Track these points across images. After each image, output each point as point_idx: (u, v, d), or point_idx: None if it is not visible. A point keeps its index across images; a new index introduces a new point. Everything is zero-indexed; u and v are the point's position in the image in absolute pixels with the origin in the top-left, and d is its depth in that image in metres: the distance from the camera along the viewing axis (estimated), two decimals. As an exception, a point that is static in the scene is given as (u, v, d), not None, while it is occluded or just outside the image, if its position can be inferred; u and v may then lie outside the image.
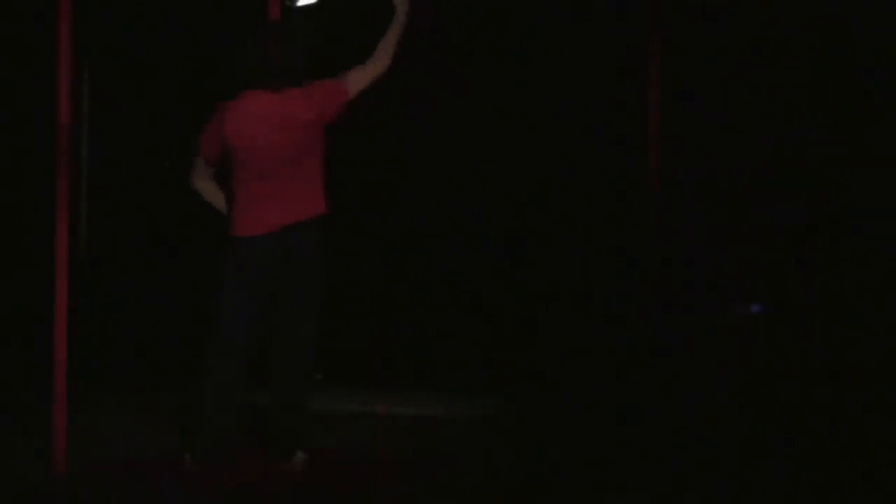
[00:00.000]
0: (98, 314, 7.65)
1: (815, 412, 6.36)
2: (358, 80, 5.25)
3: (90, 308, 7.58)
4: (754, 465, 5.23)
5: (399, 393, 7.38)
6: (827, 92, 6.78)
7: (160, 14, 7.65)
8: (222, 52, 7.62)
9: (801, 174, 6.88)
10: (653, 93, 6.82)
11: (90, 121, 7.60)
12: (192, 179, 5.33)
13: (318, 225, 5.23)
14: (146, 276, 7.82)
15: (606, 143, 7.41)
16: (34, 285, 6.46)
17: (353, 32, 8.08)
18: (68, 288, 4.86)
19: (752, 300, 6.98)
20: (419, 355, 7.88)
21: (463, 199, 7.91)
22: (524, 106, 7.67)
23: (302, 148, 5.12)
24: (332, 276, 7.27)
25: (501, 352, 7.64)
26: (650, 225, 6.84)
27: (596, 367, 7.24)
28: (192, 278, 7.97)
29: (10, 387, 7.00)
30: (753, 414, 6.52)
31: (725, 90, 7.08)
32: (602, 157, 7.43)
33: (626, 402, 6.82)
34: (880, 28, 6.63)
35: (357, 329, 8.10)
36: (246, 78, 5.16)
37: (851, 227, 6.72)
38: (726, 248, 7.07)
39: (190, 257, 8.05)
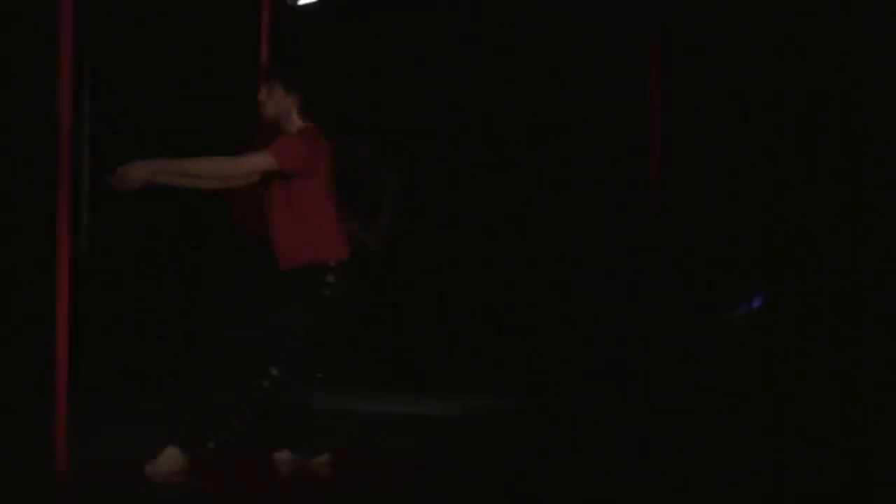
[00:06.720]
0: (98, 314, 7.66)
1: (813, 411, 6.37)
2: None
3: (90, 308, 7.59)
4: (755, 465, 5.23)
5: (399, 393, 7.39)
6: (827, 89, 6.80)
7: (159, 14, 7.66)
8: (220, 51, 7.66)
9: (801, 173, 6.89)
10: (653, 93, 6.83)
11: (90, 121, 7.60)
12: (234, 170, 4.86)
13: None
14: (146, 277, 7.83)
15: (606, 146, 7.43)
16: (34, 286, 6.47)
17: (353, 33, 8.11)
18: (68, 288, 4.85)
19: (753, 294, 7.00)
20: (420, 356, 7.90)
21: (464, 201, 7.92)
22: (523, 108, 7.69)
23: None
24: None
25: (502, 353, 7.66)
26: (651, 226, 6.85)
27: (596, 368, 7.26)
28: (192, 279, 7.98)
29: (11, 386, 7.01)
30: (754, 414, 6.53)
31: (725, 90, 7.10)
32: (602, 160, 7.45)
33: (626, 403, 6.83)
34: (881, 28, 6.65)
35: (358, 330, 8.11)
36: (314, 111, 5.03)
37: (851, 226, 6.73)
38: (726, 247, 7.09)
39: (190, 258, 8.06)
